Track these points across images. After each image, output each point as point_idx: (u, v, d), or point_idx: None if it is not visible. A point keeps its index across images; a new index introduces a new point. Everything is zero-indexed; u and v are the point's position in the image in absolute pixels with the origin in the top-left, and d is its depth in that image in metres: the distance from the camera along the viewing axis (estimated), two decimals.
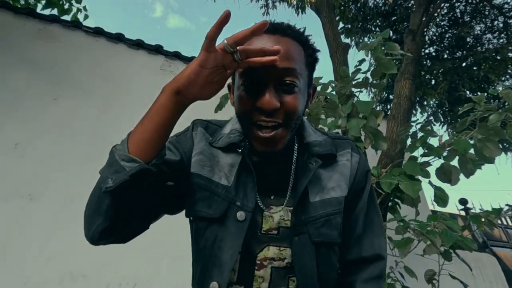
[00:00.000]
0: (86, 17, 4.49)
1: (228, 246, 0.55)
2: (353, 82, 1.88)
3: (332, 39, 2.65)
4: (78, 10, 4.57)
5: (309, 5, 6.16)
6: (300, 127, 0.65)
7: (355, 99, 1.88)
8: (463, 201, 3.71)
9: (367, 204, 0.65)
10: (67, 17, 4.08)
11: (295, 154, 0.62)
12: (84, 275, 1.79)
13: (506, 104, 1.84)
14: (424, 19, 2.95)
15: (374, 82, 1.87)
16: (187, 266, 2.06)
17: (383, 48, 1.87)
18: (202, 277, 0.57)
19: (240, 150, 0.61)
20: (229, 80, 0.61)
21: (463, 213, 3.75)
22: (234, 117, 0.66)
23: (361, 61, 2.12)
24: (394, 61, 1.74)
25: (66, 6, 4.46)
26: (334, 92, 1.85)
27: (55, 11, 4.32)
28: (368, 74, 1.85)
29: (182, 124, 0.62)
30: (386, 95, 6.18)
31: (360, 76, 1.89)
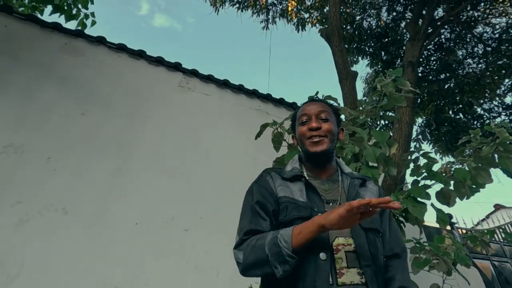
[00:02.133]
0: (93, 23, 4.50)
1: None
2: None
3: (342, 67, 2.88)
4: (86, 16, 4.58)
5: (310, 24, 6.45)
6: (339, 164, 1.03)
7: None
8: (448, 216, 4.06)
9: (388, 217, 0.98)
10: (74, 23, 4.08)
11: (340, 177, 0.99)
12: (116, 287, 1.88)
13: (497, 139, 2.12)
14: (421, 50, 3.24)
15: (387, 114, 2.12)
16: (212, 277, 2.18)
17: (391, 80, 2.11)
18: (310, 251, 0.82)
19: (303, 179, 0.93)
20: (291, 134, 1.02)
21: (448, 227, 4.10)
22: (291, 161, 1.04)
23: (374, 92, 2.37)
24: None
25: (74, 12, 4.47)
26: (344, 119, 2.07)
27: (62, 18, 4.33)
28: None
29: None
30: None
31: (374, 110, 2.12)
